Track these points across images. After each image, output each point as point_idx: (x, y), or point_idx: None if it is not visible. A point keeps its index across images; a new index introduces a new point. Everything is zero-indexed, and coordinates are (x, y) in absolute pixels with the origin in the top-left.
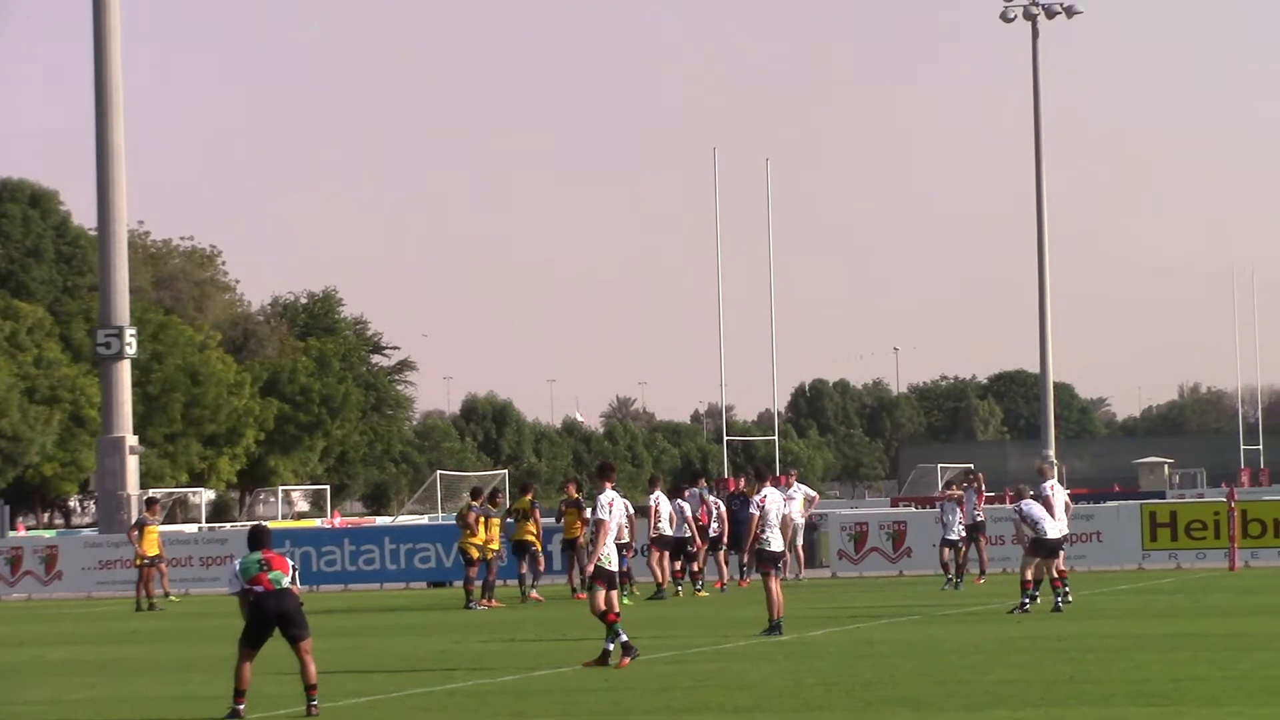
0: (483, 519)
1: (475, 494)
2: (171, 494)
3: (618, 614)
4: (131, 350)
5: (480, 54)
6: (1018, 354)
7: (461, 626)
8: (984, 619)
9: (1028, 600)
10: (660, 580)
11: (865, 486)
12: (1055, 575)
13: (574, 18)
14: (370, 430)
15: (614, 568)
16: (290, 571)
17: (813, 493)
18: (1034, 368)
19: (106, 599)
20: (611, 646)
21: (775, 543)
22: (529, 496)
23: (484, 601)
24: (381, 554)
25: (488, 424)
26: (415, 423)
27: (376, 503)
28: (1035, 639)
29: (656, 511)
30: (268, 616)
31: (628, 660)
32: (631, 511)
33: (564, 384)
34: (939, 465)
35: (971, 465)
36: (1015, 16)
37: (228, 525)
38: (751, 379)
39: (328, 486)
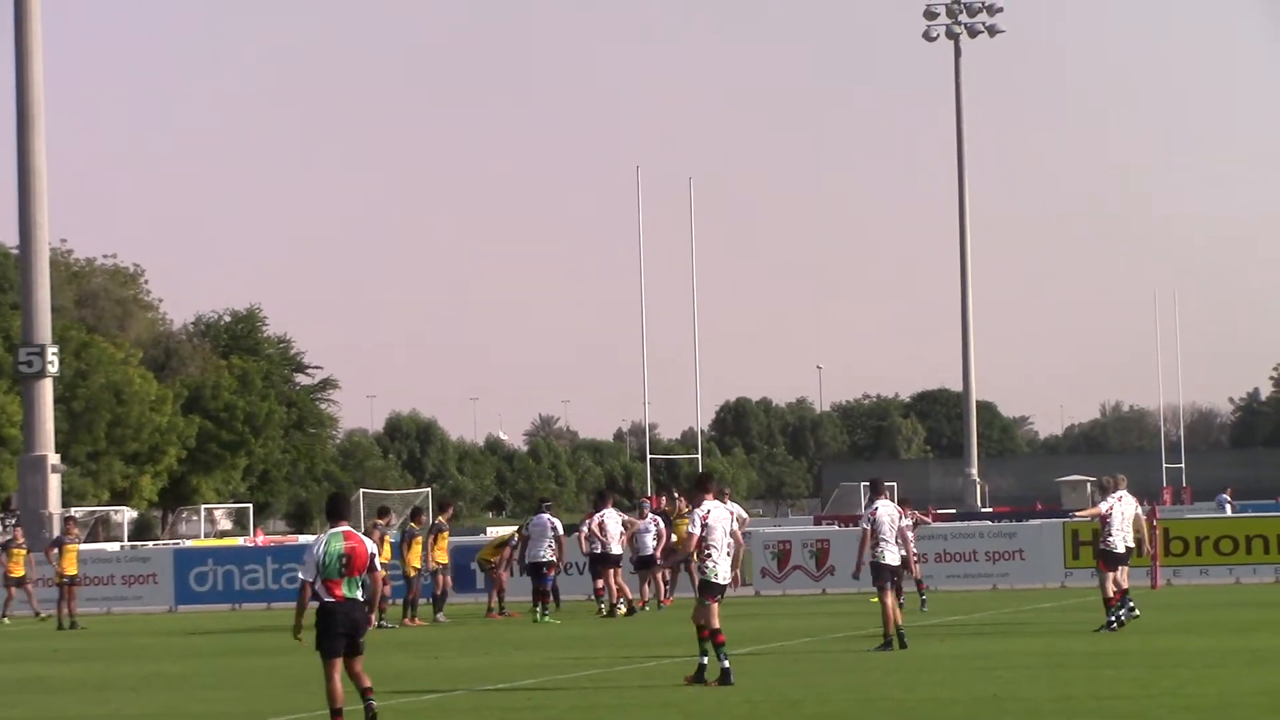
0: (386, 538)
1: (382, 513)
2: (94, 512)
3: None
4: (54, 369)
5: (403, 70)
6: (940, 372)
7: (386, 645)
8: (909, 636)
9: (1114, 619)
10: (612, 598)
11: (789, 505)
12: (1119, 590)
13: (500, 36)
14: (293, 448)
15: (722, 580)
16: (369, 560)
17: (744, 513)
18: (957, 386)
19: (26, 617)
20: (727, 664)
21: (890, 555)
22: (446, 515)
23: (406, 620)
24: None
25: (411, 442)
26: (339, 441)
27: (300, 521)
28: (960, 657)
29: (603, 528)
30: (336, 628)
31: (691, 679)
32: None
33: (487, 402)
34: (861, 484)
35: (895, 484)
36: (938, 36)
37: (150, 544)
38: (675, 397)
39: (251, 505)
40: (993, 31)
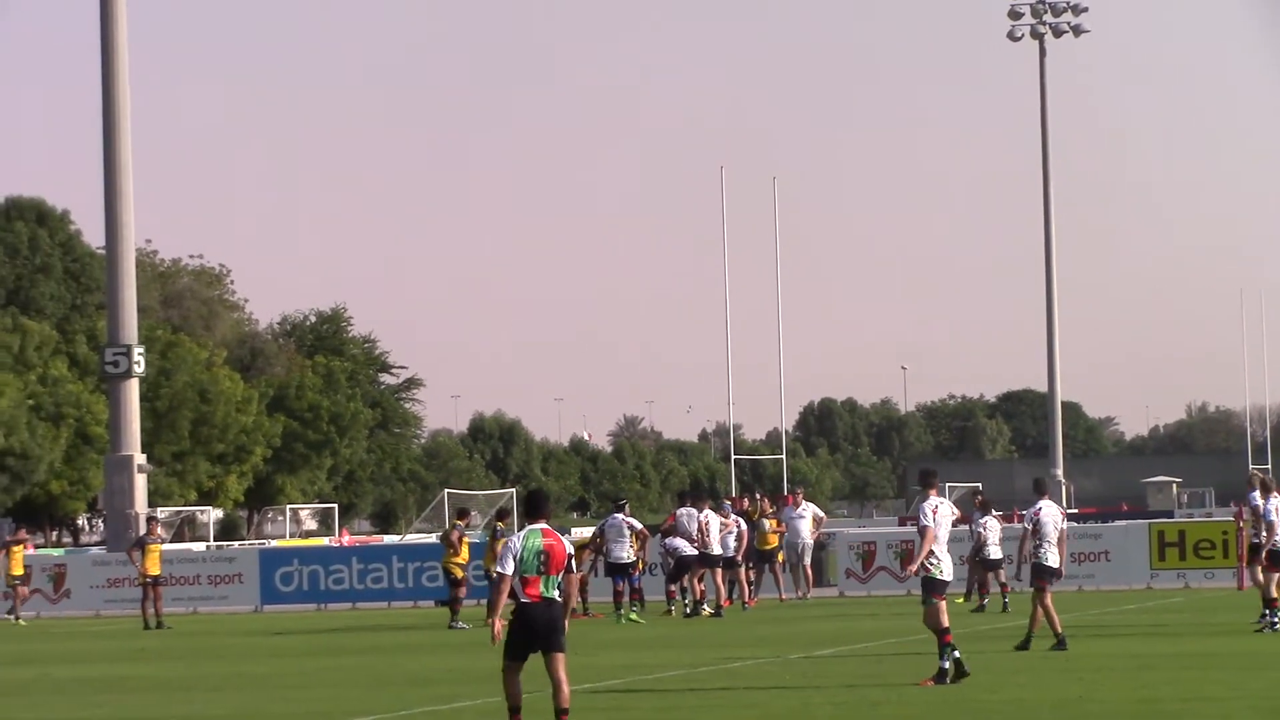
0: (465, 539)
1: (461, 514)
2: (179, 512)
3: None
4: (139, 369)
5: (490, 76)
6: (1026, 373)
7: (469, 645)
8: (992, 638)
9: (1278, 619)
10: (716, 596)
11: (873, 505)
12: None
13: (582, 37)
14: (378, 449)
15: (946, 577)
16: (566, 560)
17: (820, 512)
18: (1042, 387)
19: (114, 617)
20: (947, 664)
21: (1052, 557)
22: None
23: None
24: (390, 572)
25: (495, 443)
26: (423, 441)
27: (384, 521)
28: (1044, 659)
29: (706, 528)
30: (533, 628)
31: (930, 681)
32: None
33: (571, 403)
34: (946, 484)
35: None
36: (1022, 36)
37: (235, 544)
38: (760, 398)
39: (336, 505)
40: (1078, 31)
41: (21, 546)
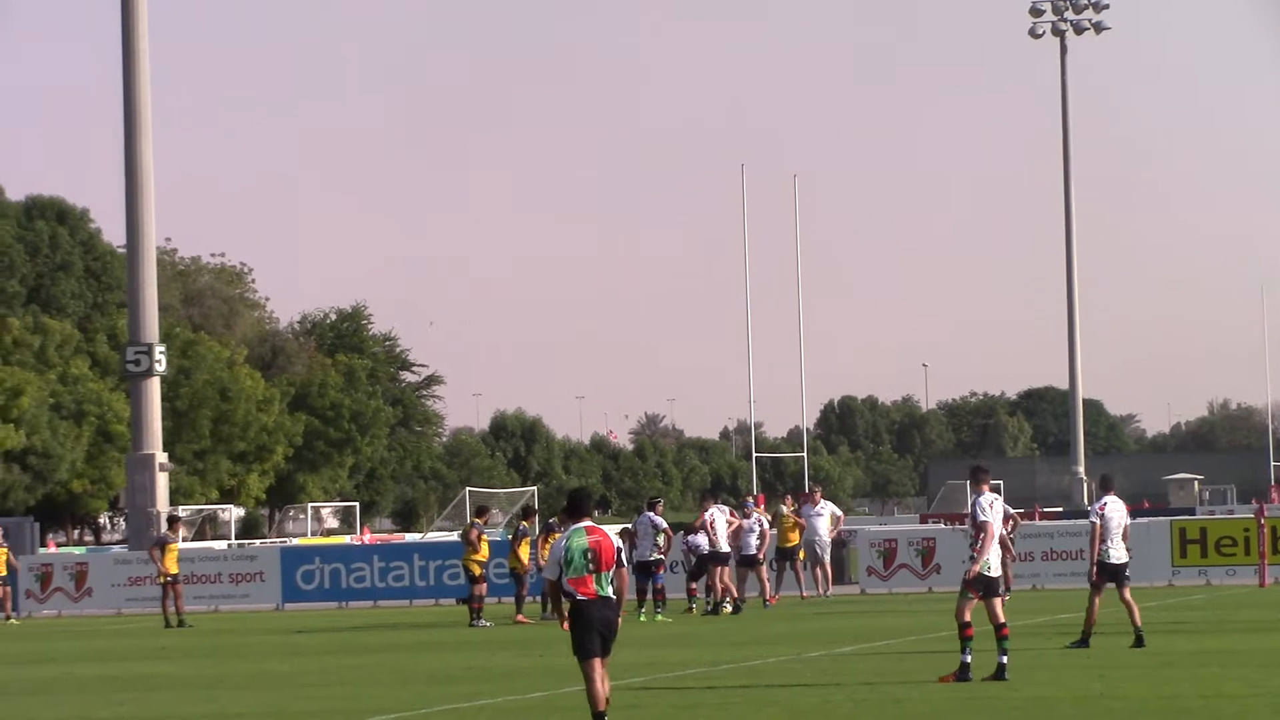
0: (484, 537)
1: (480, 512)
2: (201, 511)
3: (973, 626)
4: (161, 367)
5: (511, 73)
6: (1047, 370)
7: (490, 643)
8: (1011, 635)
9: None
10: (717, 595)
11: (895, 503)
12: None
13: (603, 35)
14: (399, 447)
15: (994, 574)
16: (615, 555)
17: (838, 511)
18: (1063, 384)
19: (136, 615)
20: (1004, 660)
21: (1116, 554)
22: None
23: (519, 618)
24: (411, 570)
25: (517, 441)
26: (444, 439)
27: (406, 519)
28: (1065, 655)
29: (713, 526)
30: (591, 626)
31: (951, 678)
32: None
33: (593, 401)
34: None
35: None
36: (1043, 33)
37: (257, 542)
38: (781, 395)
39: (357, 503)
40: (1099, 28)
41: (5, 550)
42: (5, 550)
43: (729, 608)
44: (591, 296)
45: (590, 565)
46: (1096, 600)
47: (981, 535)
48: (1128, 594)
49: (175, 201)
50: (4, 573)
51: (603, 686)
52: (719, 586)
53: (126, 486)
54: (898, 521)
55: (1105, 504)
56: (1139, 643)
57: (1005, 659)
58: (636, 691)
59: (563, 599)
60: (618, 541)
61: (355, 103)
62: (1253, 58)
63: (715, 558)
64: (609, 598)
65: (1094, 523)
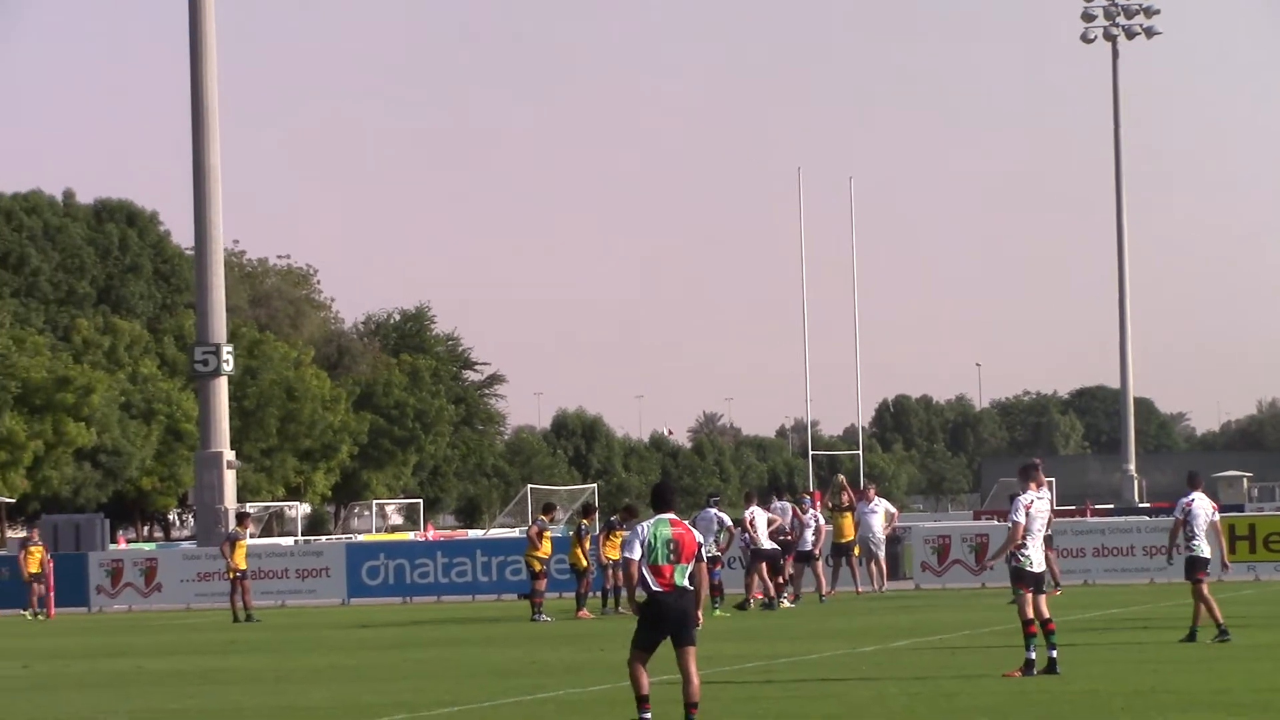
0: (546, 533)
1: (547, 510)
2: (268, 508)
3: (1036, 623)
4: (228, 367)
5: (568, 77)
6: (1098, 369)
7: (552, 638)
8: (1063, 630)
9: None
10: (769, 593)
11: (949, 500)
12: None
13: (661, 39)
14: (462, 444)
15: (1036, 569)
16: (696, 549)
17: (892, 508)
18: (1115, 383)
19: (204, 610)
20: (1054, 654)
21: (1205, 549)
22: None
23: (580, 613)
24: (474, 566)
25: (577, 439)
26: (506, 437)
27: (469, 516)
28: (1116, 648)
29: (753, 524)
30: (665, 619)
31: (1018, 673)
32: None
33: (652, 400)
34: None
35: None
36: (1095, 38)
37: (323, 538)
38: (836, 394)
39: (421, 500)
40: (1150, 33)
41: (40, 548)
42: (40, 549)
43: (753, 604)
44: (652, 297)
45: (671, 555)
46: (1206, 592)
47: (1013, 533)
48: (1205, 589)
49: (243, 204)
50: (37, 570)
51: (696, 678)
52: (754, 584)
53: (195, 484)
54: (951, 518)
55: (1192, 500)
56: (1191, 637)
57: (1055, 653)
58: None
59: (638, 588)
60: (699, 536)
61: (416, 107)
62: None
63: (757, 555)
64: (686, 589)
65: (1178, 517)
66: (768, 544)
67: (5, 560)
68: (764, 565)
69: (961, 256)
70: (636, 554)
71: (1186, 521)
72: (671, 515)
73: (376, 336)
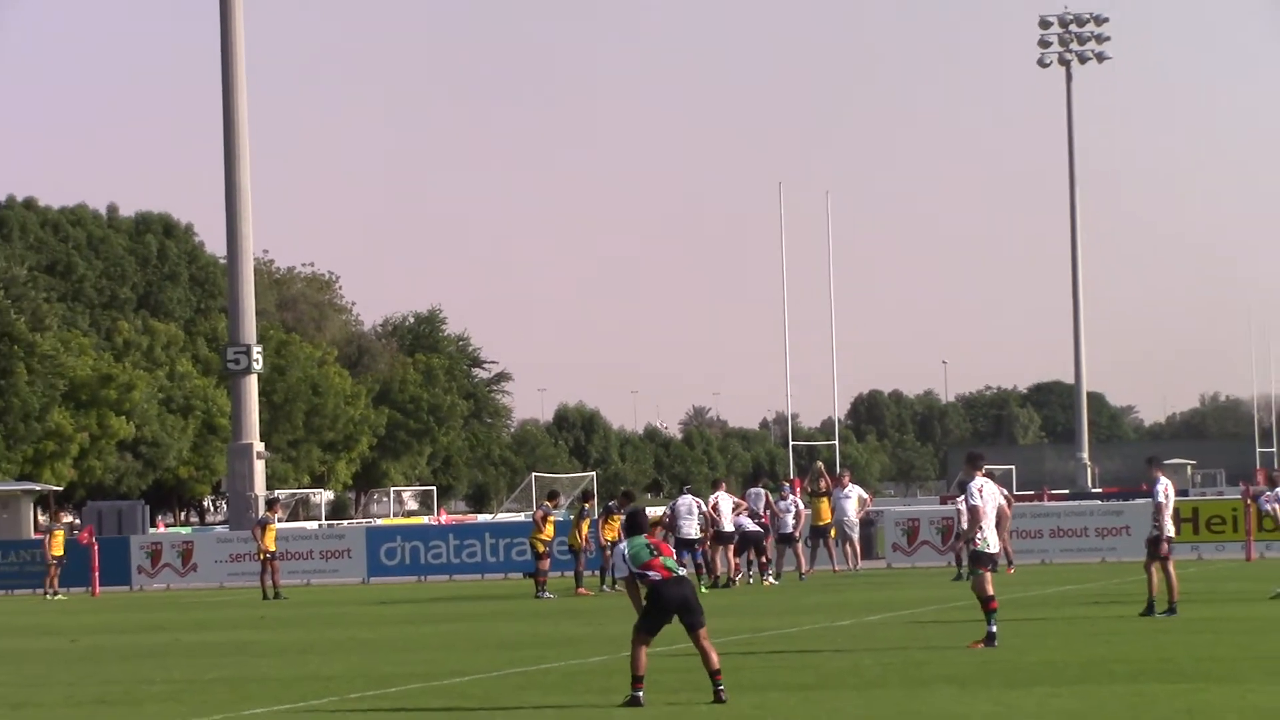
0: (550, 518)
1: (551, 496)
2: (294, 494)
3: (996, 599)
4: (258, 366)
5: (565, 86)
6: (1054, 366)
7: (554, 613)
8: (1022, 605)
9: None
10: (729, 572)
11: (917, 486)
12: None
13: (645, 50)
14: (472, 436)
15: (992, 550)
16: (672, 553)
17: (865, 494)
18: (1069, 378)
19: (236, 589)
20: (994, 629)
21: (1169, 527)
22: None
23: (579, 591)
24: (483, 548)
25: (577, 431)
26: (513, 430)
27: (478, 502)
28: (1072, 621)
29: (717, 509)
30: (668, 604)
31: (980, 644)
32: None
33: (646, 394)
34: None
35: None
36: (1050, 62)
37: (344, 522)
38: (815, 390)
39: (434, 487)
40: (1101, 58)
41: (63, 531)
42: (62, 532)
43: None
44: (645, 300)
45: (653, 551)
46: (1154, 569)
47: (973, 517)
48: (1171, 566)
49: (272, 217)
50: (60, 553)
51: (713, 652)
52: (717, 563)
53: (227, 473)
54: (920, 503)
55: (1167, 486)
56: (1149, 610)
57: (994, 628)
58: (687, 657)
59: (640, 586)
60: (672, 550)
61: (428, 125)
62: (1245, 74)
63: (719, 536)
64: (683, 577)
65: (1160, 501)
66: (729, 527)
67: (38, 544)
68: (726, 546)
69: (930, 264)
70: (624, 572)
71: (1163, 504)
72: (647, 541)
73: (393, 337)
